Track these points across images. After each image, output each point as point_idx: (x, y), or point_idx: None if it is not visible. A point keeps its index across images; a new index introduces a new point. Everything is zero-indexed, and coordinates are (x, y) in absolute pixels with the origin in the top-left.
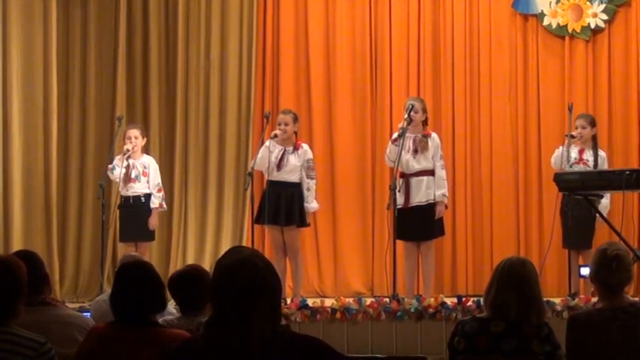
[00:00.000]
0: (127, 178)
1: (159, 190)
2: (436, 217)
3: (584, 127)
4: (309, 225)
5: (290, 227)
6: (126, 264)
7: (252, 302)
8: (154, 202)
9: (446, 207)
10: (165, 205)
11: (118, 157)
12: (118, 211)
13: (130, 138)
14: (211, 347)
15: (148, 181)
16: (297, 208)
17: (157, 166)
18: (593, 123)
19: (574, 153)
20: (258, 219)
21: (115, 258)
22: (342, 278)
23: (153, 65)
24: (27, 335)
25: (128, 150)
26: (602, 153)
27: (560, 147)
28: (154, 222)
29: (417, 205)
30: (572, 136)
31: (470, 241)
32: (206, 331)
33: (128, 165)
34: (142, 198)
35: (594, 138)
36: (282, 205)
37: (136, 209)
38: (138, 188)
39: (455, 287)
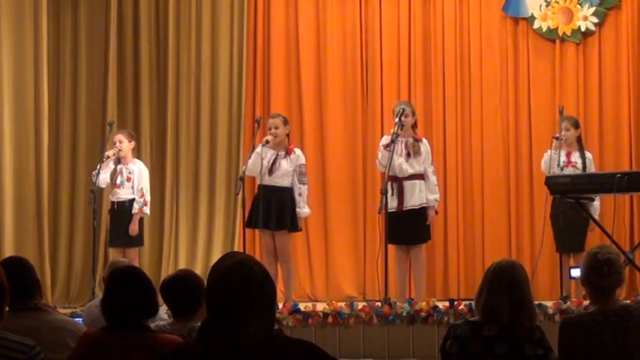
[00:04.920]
0: (113, 184)
1: (140, 196)
2: (428, 222)
3: (567, 130)
4: (300, 230)
5: (281, 232)
6: (117, 269)
7: (246, 305)
8: (134, 208)
9: (436, 212)
10: (146, 211)
11: (101, 163)
12: (108, 215)
13: (114, 143)
14: (205, 351)
15: (132, 187)
16: (289, 213)
17: (143, 171)
18: (577, 125)
19: (562, 156)
20: (249, 223)
21: (106, 263)
22: (333, 282)
23: (144, 70)
24: (15, 339)
25: (108, 157)
26: (588, 154)
27: (549, 151)
28: (133, 227)
29: (410, 209)
30: (558, 138)
31: (462, 245)
32: (200, 335)
33: (115, 170)
34: (127, 204)
35: (579, 140)
36: (273, 209)
37: (121, 215)
38: (122, 194)
39: (447, 291)
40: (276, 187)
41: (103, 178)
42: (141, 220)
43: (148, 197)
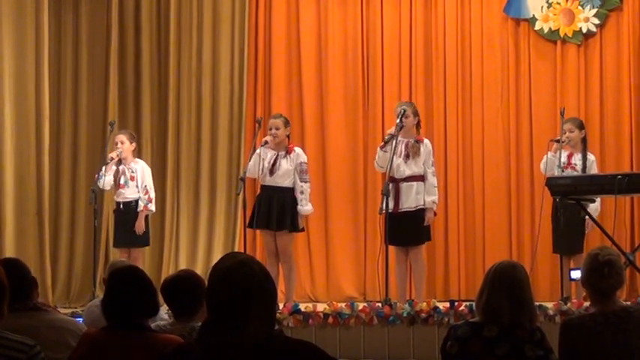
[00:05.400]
0: (117, 185)
1: (145, 193)
2: (425, 224)
3: (571, 131)
4: (303, 230)
5: (282, 232)
6: (118, 269)
7: (247, 305)
8: (140, 205)
9: (435, 214)
10: (151, 207)
11: (105, 166)
12: (113, 215)
13: (116, 143)
14: (205, 351)
15: (137, 186)
16: (289, 213)
17: (146, 169)
18: (581, 126)
19: (563, 157)
20: (251, 224)
21: (107, 263)
22: (334, 283)
23: (145, 70)
24: (15, 338)
25: (112, 158)
26: (591, 156)
27: (548, 153)
28: (139, 225)
29: (406, 211)
30: (558, 141)
31: (462, 246)
32: (200, 335)
33: (117, 171)
34: (133, 203)
35: (584, 141)
36: (274, 209)
37: (127, 215)
38: (128, 194)
39: (447, 292)
40: (277, 188)
41: (108, 180)
42: (146, 219)
43: (152, 194)
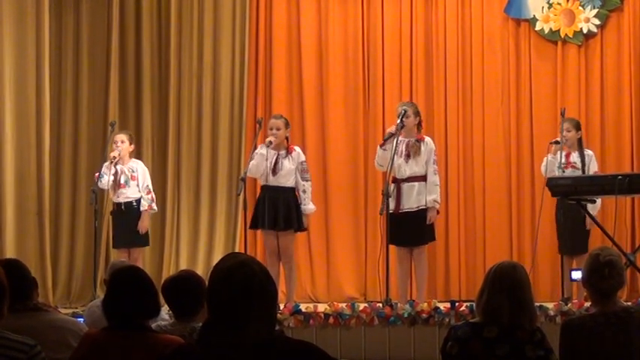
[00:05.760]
0: (117, 185)
1: (147, 192)
2: (427, 223)
3: (569, 130)
4: (306, 229)
5: (287, 232)
6: (119, 269)
7: (247, 306)
8: (143, 205)
9: (437, 212)
10: (155, 207)
11: (106, 164)
12: (110, 217)
13: (115, 142)
14: (206, 351)
15: (137, 185)
16: (295, 213)
17: (145, 169)
18: (578, 127)
19: (562, 157)
20: (254, 224)
21: (107, 264)
22: (335, 283)
23: (145, 70)
24: (16, 338)
25: (115, 157)
26: (589, 152)
27: (548, 155)
28: (143, 225)
29: (407, 211)
30: (557, 142)
31: (463, 246)
32: (201, 335)
33: (116, 171)
34: (134, 203)
35: (580, 141)
36: (280, 210)
37: (128, 215)
38: (129, 193)
39: (448, 292)
40: (280, 188)
41: (108, 179)
42: None
43: (153, 194)
